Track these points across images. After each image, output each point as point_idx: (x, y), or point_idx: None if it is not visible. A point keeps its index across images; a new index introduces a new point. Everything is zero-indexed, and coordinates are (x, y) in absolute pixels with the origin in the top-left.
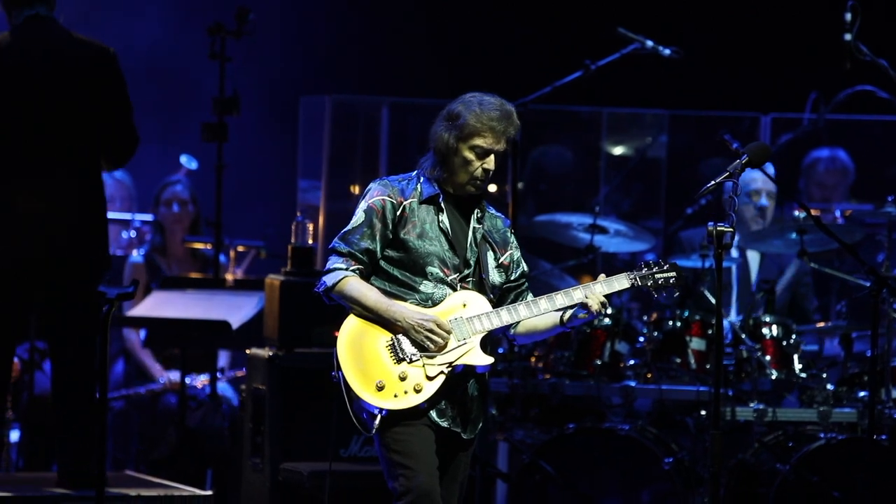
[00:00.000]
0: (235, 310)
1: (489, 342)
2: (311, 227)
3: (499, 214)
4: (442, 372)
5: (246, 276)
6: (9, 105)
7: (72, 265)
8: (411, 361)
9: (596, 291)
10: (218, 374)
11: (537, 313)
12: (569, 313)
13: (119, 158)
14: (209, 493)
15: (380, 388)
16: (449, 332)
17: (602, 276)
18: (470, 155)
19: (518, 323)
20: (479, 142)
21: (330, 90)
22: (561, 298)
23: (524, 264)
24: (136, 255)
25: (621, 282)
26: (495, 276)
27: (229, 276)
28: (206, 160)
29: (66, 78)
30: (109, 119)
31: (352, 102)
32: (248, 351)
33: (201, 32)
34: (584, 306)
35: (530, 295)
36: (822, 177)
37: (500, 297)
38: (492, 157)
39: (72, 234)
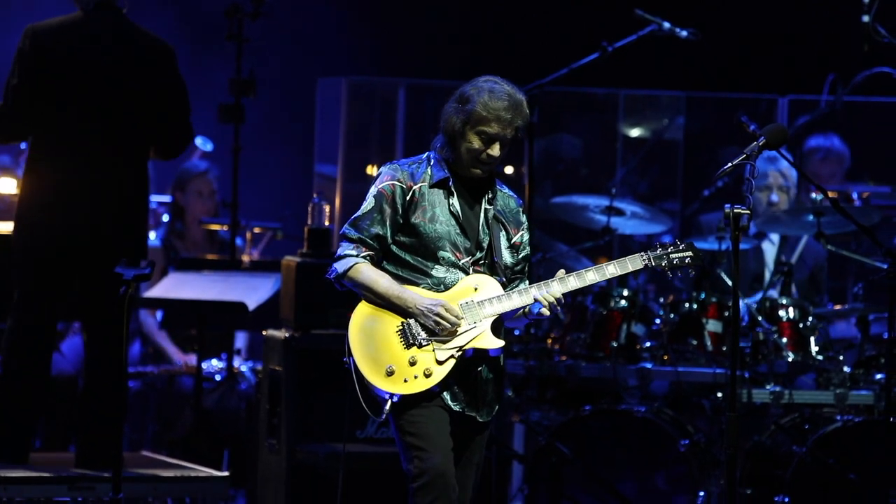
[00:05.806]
0: (252, 291)
1: (502, 325)
2: (327, 208)
3: (512, 194)
4: (452, 356)
5: (262, 258)
6: (68, 88)
7: (112, 251)
8: (421, 346)
9: (608, 274)
10: (234, 356)
11: (544, 293)
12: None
13: (171, 151)
14: (225, 473)
15: (389, 374)
16: (458, 316)
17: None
18: (475, 140)
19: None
20: (484, 128)
21: (347, 72)
22: (573, 281)
23: (528, 249)
24: (153, 237)
25: (635, 262)
26: (507, 257)
27: (246, 258)
28: (222, 142)
29: (129, 68)
30: (166, 113)
31: (368, 84)
32: (264, 332)
33: (218, 14)
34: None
35: (526, 282)
36: (818, 166)
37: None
38: (497, 144)
39: (115, 220)
